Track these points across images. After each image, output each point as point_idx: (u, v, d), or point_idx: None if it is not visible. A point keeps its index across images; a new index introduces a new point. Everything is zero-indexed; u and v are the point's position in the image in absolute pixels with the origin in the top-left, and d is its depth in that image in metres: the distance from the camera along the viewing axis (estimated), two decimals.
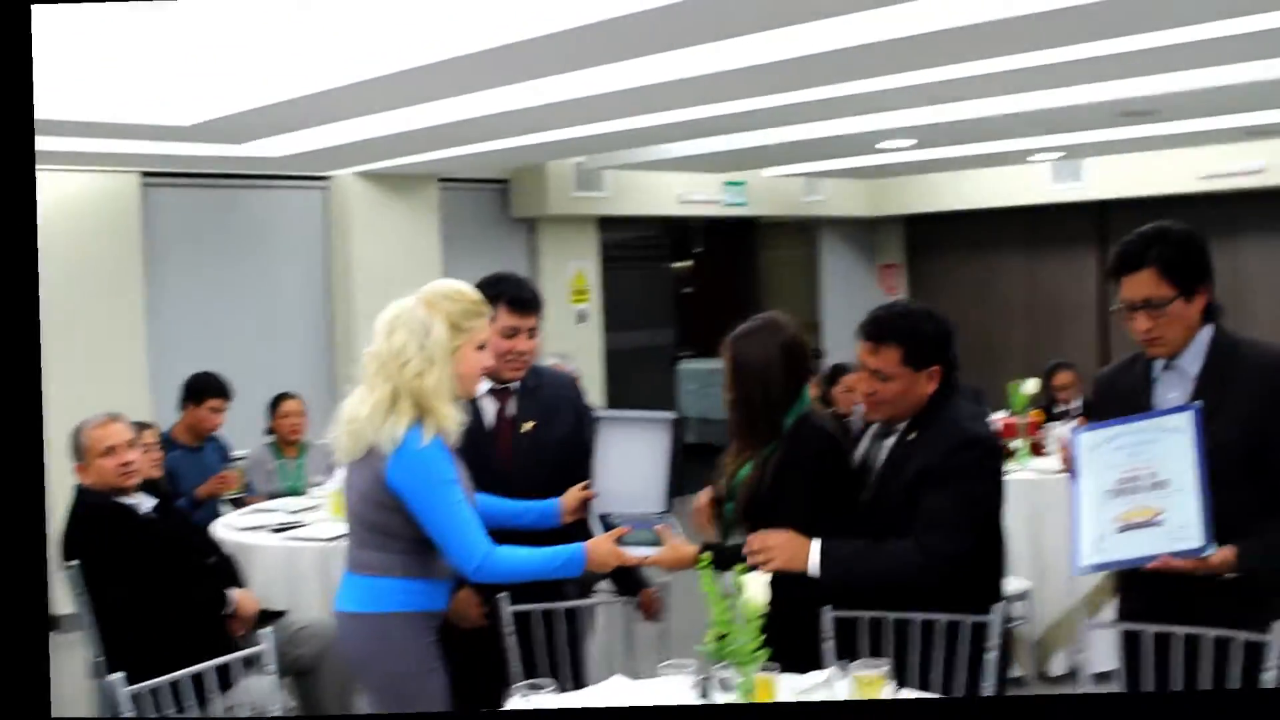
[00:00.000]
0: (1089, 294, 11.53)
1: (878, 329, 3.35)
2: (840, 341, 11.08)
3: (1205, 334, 3.15)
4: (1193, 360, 3.14)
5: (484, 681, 3.60)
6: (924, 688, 3.22)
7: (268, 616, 4.62)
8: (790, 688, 2.85)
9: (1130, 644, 3.22)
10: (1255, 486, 3.02)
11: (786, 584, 3.03)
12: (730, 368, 3.40)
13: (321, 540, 5.06)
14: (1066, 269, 11.70)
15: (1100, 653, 5.63)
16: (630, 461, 3.58)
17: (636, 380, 10.44)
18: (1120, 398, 3.26)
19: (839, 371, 7.05)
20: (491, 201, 9.79)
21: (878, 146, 8.97)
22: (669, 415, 3.66)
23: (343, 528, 4.66)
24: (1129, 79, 6.41)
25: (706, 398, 10.46)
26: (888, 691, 2.75)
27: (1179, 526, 2.91)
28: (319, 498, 5.80)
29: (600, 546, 3.33)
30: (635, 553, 3.37)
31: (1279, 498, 3.02)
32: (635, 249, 10.98)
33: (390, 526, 3.27)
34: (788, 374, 3.40)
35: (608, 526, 3.46)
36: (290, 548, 5.12)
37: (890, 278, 12.75)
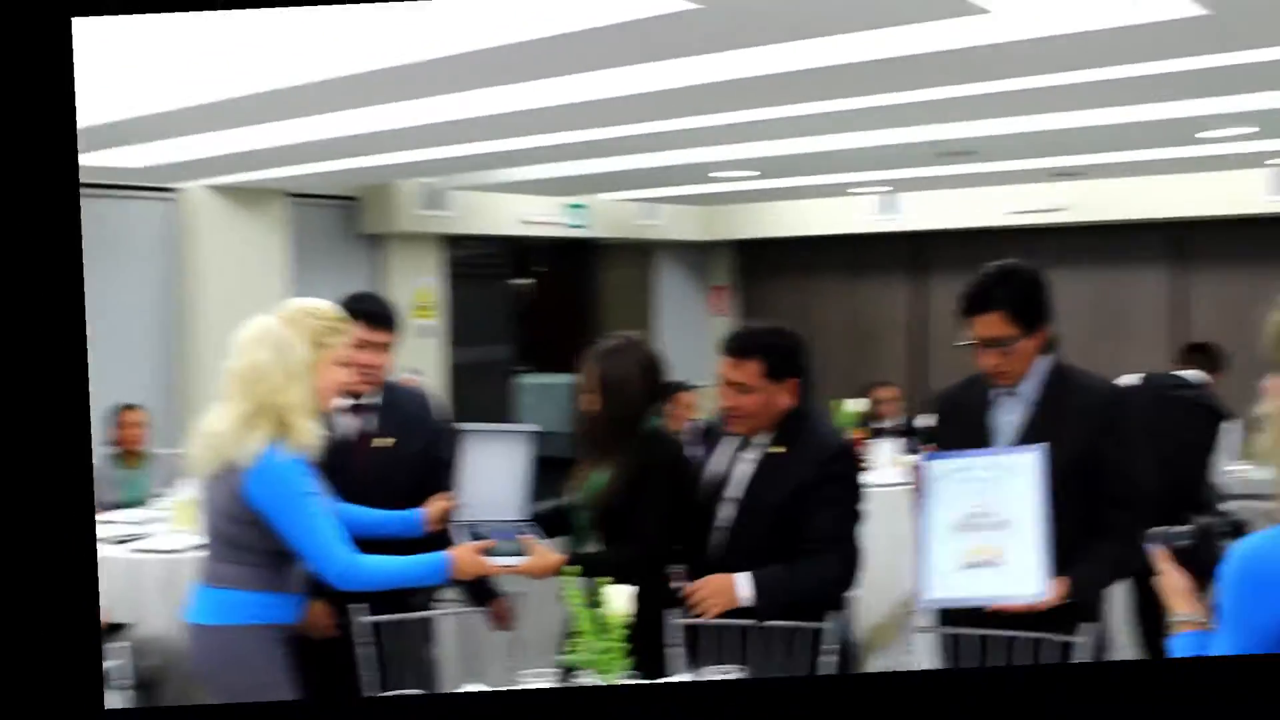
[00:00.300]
0: (902, 317, 11.92)
1: (740, 344, 3.42)
2: (673, 359, 11.17)
3: (1043, 364, 3.28)
4: (1031, 388, 3.28)
5: (335, 691, 3.60)
6: None
7: (111, 629, 4.49)
8: None
9: (950, 646, 3.34)
10: (1082, 508, 3.15)
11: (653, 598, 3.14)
12: (596, 382, 3.47)
13: (166, 552, 4.94)
14: (884, 294, 12.08)
15: (921, 654, 5.83)
16: (493, 473, 3.63)
17: (478, 394, 10.42)
18: (962, 416, 3.38)
19: (674, 389, 7.09)
20: (340, 217, 9.69)
21: (711, 175, 9.14)
22: (531, 428, 3.72)
23: (188, 539, 4.60)
24: (948, 123, 6.67)
25: (543, 411, 10.48)
26: None
27: (1018, 570, 3.02)
28: (162, 509, 5.66)
29: (464, 556, 3.36)
30: (500, 562, 3.40)
31: (1102, 518, 3.17)
32: (478, 266, 10.97)
33: (246, 540, 3.26)
34: (647, 389, 3.51)
35: (473, 535, 3.49)
36: (133, 559, 4.97)
37: (720, 299, 12.97)
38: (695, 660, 3.36)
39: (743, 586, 3.30)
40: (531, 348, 11.65)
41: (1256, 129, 7.07)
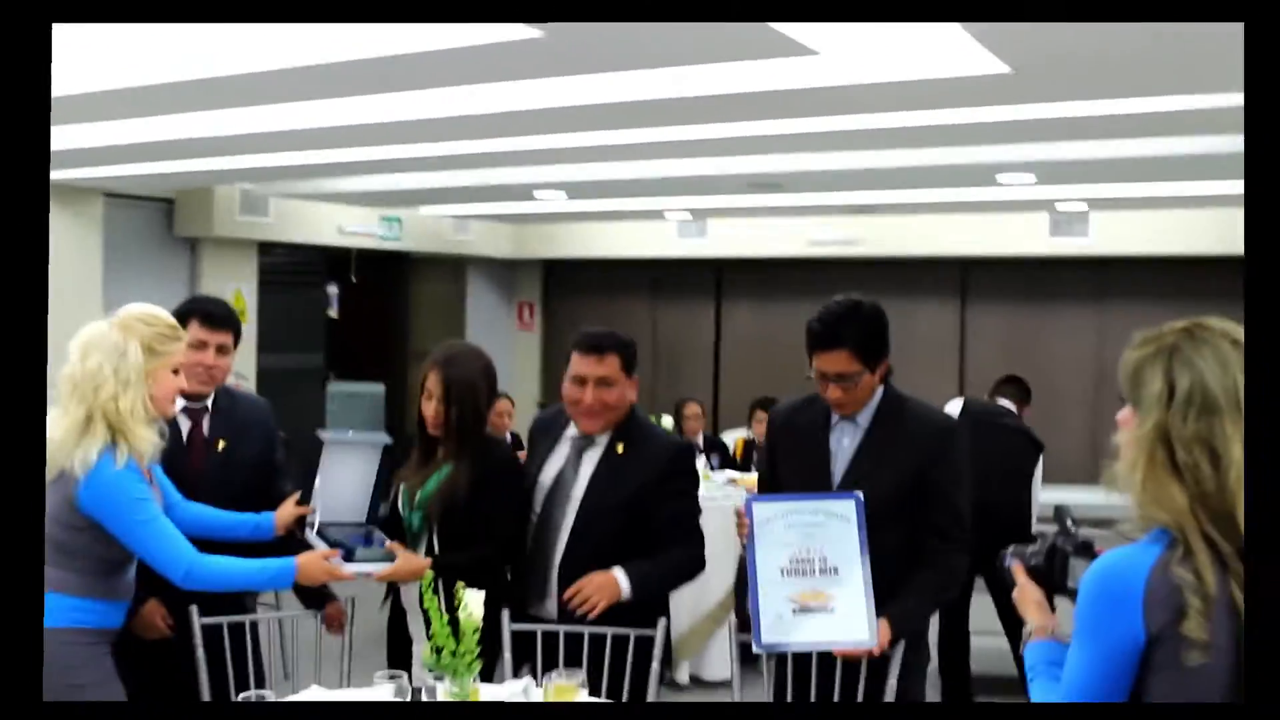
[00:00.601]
0: (707, 338, 12.11)
1: (599, 340, 3.47)
2: None
3: (878, 392, 3.32)
4: (866, 416, 3.30)
5: (168, 694, 3.49)
6: (612, 696, 3.32)
7: None
8: (490, 695, 2.91)
9: (748, 655, 3.35)
10: (907, 535, 3.21)
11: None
12: (441, 387, 3.47)
13: None
14: (687, 316, 12.23)
15: (719, 661, 5.93)
16: (346, 479, 3.62)
17: (288, 400, 10.13)
18: (798, 435, 3.38)
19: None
20: (156, 219, 9.34)
21: (534, 195, 9.10)
22: (384, 438, 3.69)
23: None
24: (762, 155, 6.81)
25: (351, 418, 10.25)
26: (580, 699, 2.81)
27: (846, 617, 3.06)
28: None
29: (312, 561, 3.31)
30: (363, 569, 3.38)
31: (925, 545, 3.22)
32: (291, 274, 10.70)
33: (76, 546, 3.14)
34: (488, 394, 3.56)
35: (326, 539, 3.46)
36: None
37: (527, 315, 12.95)
38: (531, 664, 3.37)
39: (623, 581, 3.34)
40: (341, 356, 11.41)
41: (1034, 178, 7.45)
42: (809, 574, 3.07)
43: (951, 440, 3.31)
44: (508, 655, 3.39)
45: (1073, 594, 1.96)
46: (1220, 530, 1.75)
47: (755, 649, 3.12)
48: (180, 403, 3.51)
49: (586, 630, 3.33)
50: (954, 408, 5.79)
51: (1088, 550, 2.10)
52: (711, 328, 12.12)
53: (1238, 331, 1.82)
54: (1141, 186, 8.14)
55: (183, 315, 3.46)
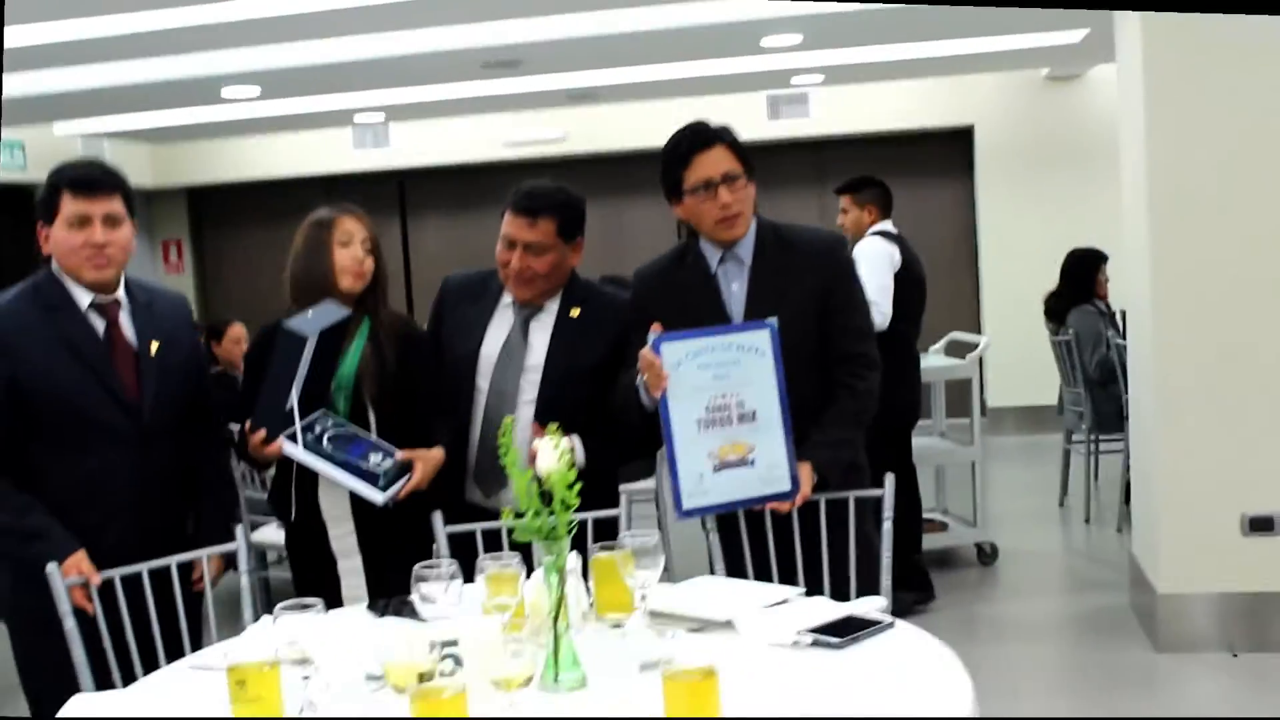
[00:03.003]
0: (394, 260, 10.67)
1: (531, 202, 3.16)
2: None
3: (752, 223, 3.07)
4: (747, 248, 3.05)
5: None
6: None
7: None
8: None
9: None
10: (816, 369, 2.98)
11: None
12: (366, 233, 3.13)
13: None
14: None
15: None
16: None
17: None
18: (680, 291, 3.06)
19: (223, 325, 6.95)
20: None
21: (222, 94, 7.47)
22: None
23: None
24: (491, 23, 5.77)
25: None
26: None
27: (768, 467, 2.84)
28: None
29: None
30: (394, 492, 2.97)
31: (834, 374, 3.01)
32: None
33: None
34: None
35: (323, 455, 2.96)
36: None
37: (174, 255, 11.11)
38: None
39: (578, 450, 3.05)
40: None
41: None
42: (726, 423, 2.82)
43: (843, 254, 3.15)
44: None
45: None
46: None
47: (676, 517, 2.88)
48: (86, 296, 2.87)
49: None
50: None
51: None
52: (399, 248, 10.73)
53: None
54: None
55: (50, 190, 2.87)
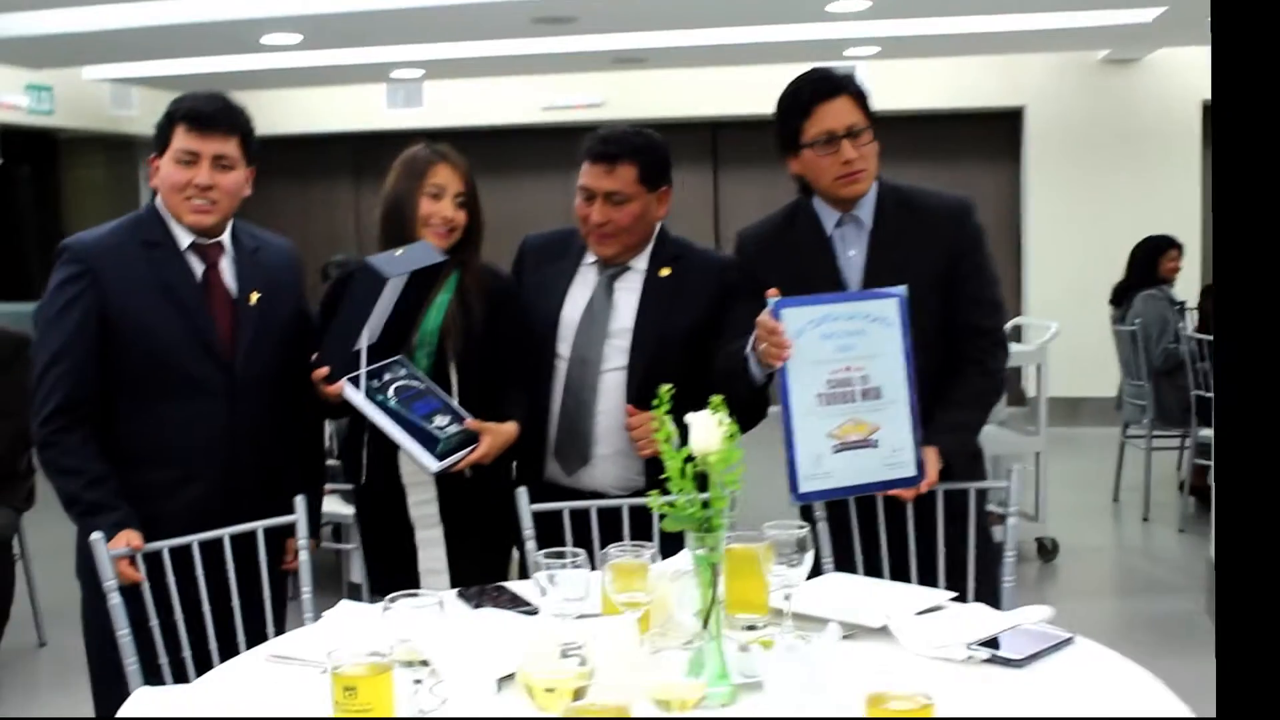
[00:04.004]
0: None
1: (609, 146, 2.85)
2: None
3: (874, 185, 2.79)
4: (867, 210, 2.76)
5: None
6: None
7: None
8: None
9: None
10: (937, 347, 2.72)
11: None
12: (462, 184, 2.83)
13: None
14: None
15: None
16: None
17: None
18: (794, 254, 2.77)
19: None
20: None
21: (261, 42, 7.14)
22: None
23: None
24: None
25: None
26: None
27: (892, 450, 2.59)
28: None
29: None
30: (451, 461, 2.68)
31: (960, 350, 2.75)
32: None
33: None
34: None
35: (384, 408, 2.66)
36: None
37: None
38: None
39: None
40: None
41: None
42: (849, 399, 2.57)
43: (973, 219, 2.81)
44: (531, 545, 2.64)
45: None
46: None
47: (791, 500, 2.60)
48: (187, 237, 2.64)
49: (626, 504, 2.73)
50: None
51: None
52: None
53: None
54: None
55: (166, 119, 2.63)
